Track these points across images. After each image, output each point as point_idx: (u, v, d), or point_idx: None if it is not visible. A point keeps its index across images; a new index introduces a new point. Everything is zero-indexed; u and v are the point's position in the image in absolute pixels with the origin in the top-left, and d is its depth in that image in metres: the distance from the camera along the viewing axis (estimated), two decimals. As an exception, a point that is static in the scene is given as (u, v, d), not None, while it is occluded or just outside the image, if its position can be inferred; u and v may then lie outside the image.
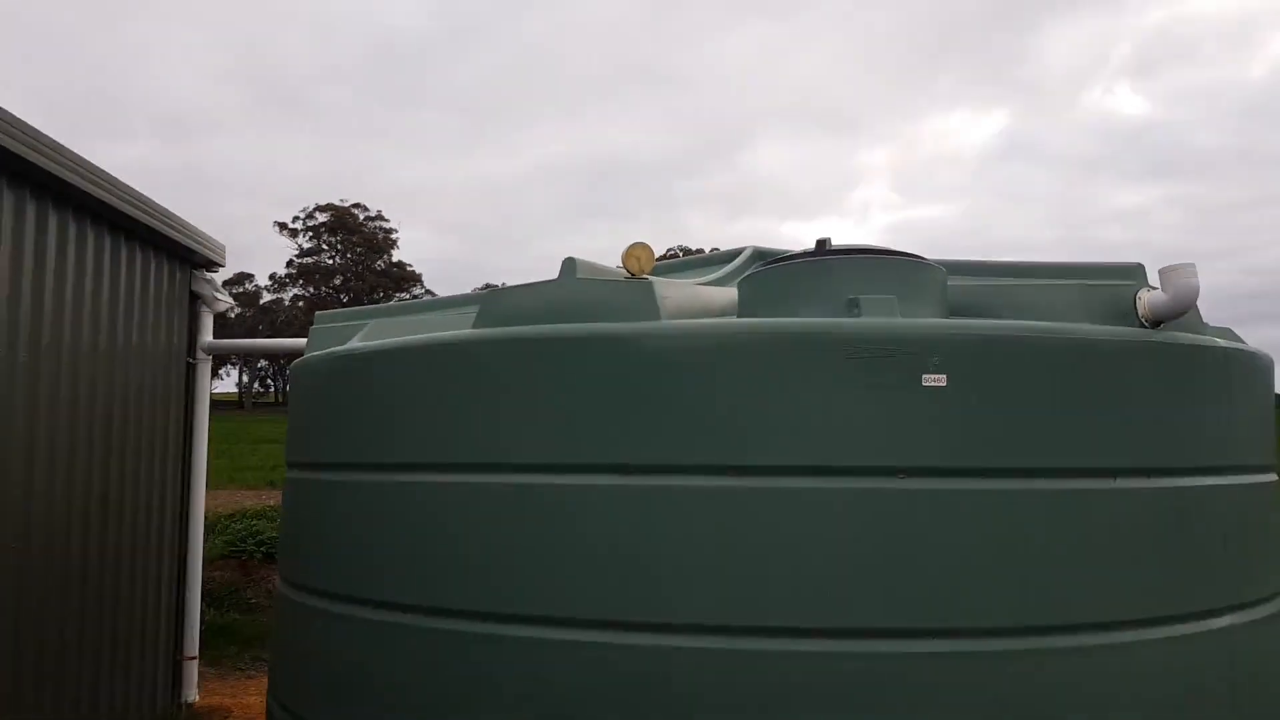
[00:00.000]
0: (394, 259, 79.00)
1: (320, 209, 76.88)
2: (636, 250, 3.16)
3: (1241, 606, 2.93)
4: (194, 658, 6.86)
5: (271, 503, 13.41)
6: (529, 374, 2.91)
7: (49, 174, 4.82)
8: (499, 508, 2.90)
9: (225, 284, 8.54)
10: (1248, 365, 3.16)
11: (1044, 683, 2.63)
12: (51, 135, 4.83)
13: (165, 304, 6.51)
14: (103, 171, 5.36)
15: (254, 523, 11.43)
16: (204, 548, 7.17)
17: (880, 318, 2.87)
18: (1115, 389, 2.79)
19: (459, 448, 3.01)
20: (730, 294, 3.56)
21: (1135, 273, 3.55)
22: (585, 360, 2.85)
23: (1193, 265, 2.86)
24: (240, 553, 10.62)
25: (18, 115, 4.56)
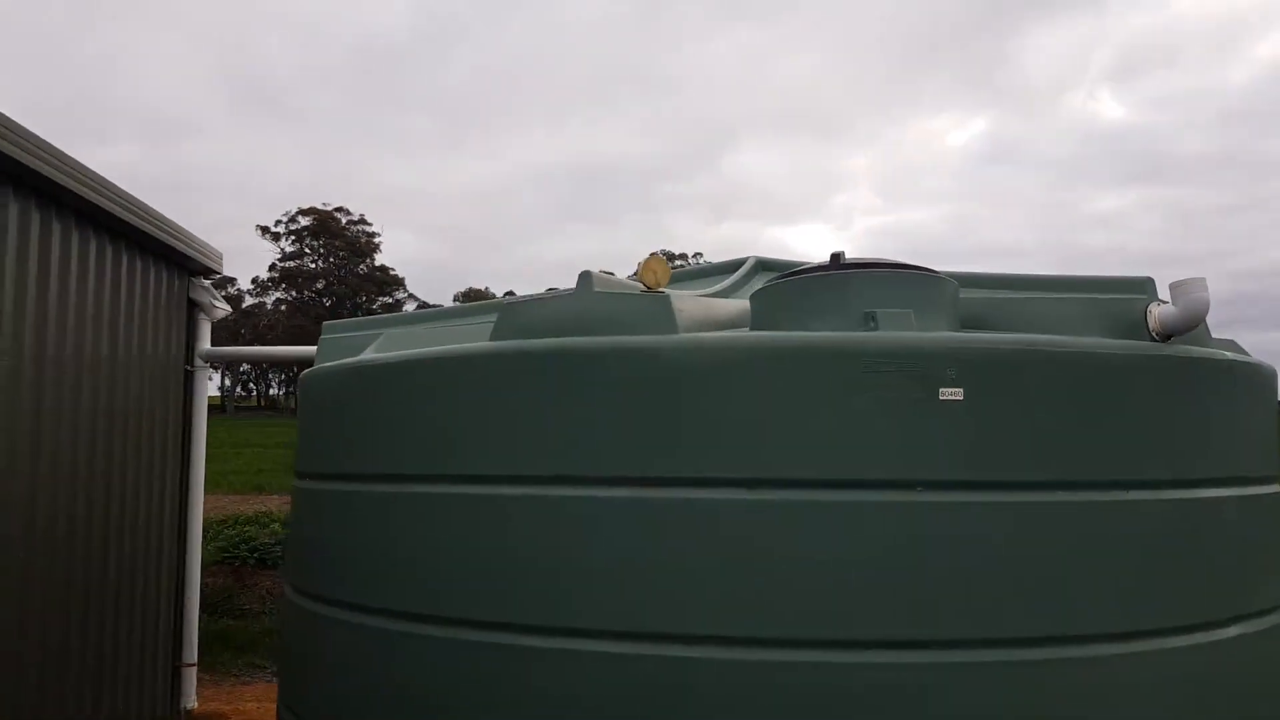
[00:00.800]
0: (377, 263, 78.91)
1: (303, 213, 76.72)
2: (653, 263, 3.17)
3: (1249, 616, 2.97)
4: (193, 664, 6.85)
5: (262, 508, 13.34)
6: (547, 386, 2.92)
7: (51, 181, 4.81)
8: (517, 519, 2.91)
9: (208, 287, 8.47)
10: (1254, 377, 3.20)
11: (1058, 693, 2.66)
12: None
13: (164, 311, 6.50)
14: (102, 178, 5.35)
15: (246, 528, 11.38)
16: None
17: (898, 332, 2.90)
18: (1128, 402, 2.83)
19: (477, 460, 3.01)
20: (738, 305, 3.58)
21: (1145, 286, 3.58)
22: (603, 373, 2.86)
23: (1203, 279, 2.90)
24: (234, 559, 10.57)
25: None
